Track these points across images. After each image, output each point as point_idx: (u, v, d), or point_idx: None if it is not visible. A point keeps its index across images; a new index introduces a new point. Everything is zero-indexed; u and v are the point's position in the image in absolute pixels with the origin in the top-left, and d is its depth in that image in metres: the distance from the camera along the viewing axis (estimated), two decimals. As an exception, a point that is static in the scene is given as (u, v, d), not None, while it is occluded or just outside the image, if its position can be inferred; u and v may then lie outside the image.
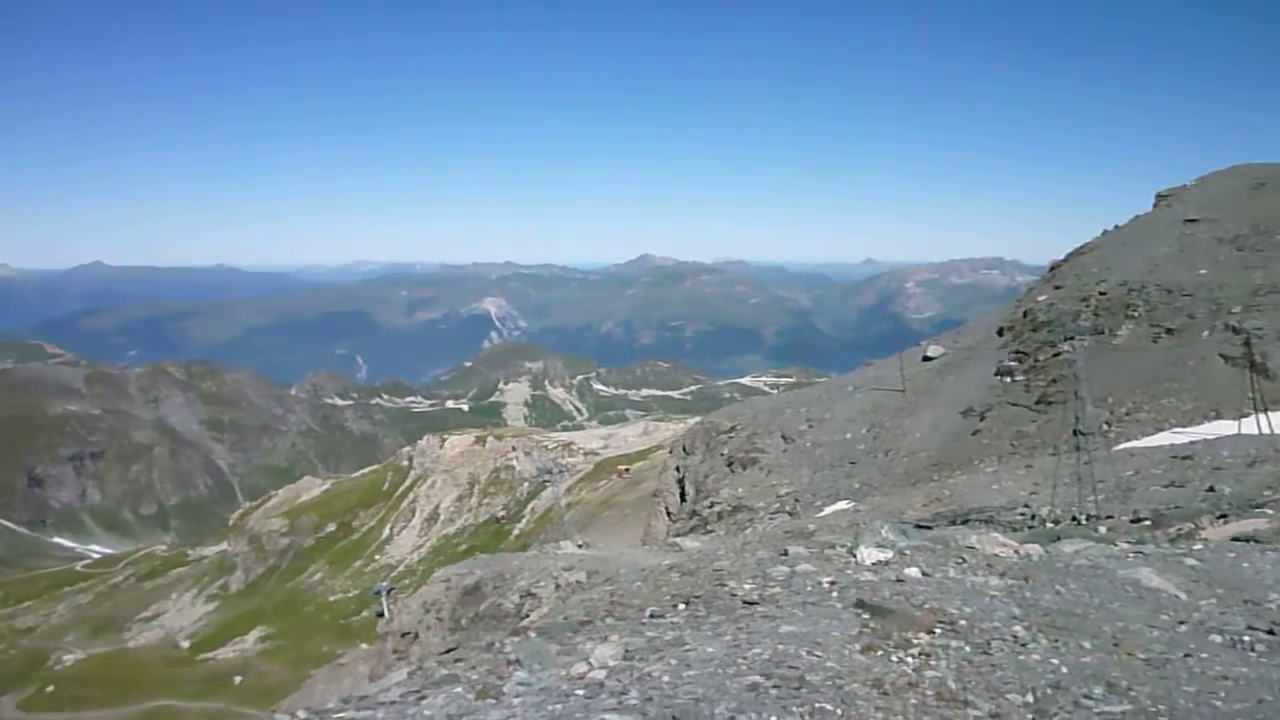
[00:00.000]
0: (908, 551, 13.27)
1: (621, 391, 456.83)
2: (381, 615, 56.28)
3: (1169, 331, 63.68)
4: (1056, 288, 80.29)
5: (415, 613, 38.10)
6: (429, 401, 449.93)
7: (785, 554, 14.06)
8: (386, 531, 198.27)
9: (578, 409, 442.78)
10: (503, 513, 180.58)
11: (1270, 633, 8.53)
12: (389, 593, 54.97)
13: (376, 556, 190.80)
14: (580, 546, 52.40)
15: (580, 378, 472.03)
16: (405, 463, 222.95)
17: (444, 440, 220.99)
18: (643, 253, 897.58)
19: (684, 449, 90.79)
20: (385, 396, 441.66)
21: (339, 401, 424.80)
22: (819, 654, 8.45)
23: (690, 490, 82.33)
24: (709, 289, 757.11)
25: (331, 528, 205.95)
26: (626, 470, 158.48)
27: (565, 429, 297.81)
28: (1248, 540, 16.90)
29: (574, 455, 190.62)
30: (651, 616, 11.55)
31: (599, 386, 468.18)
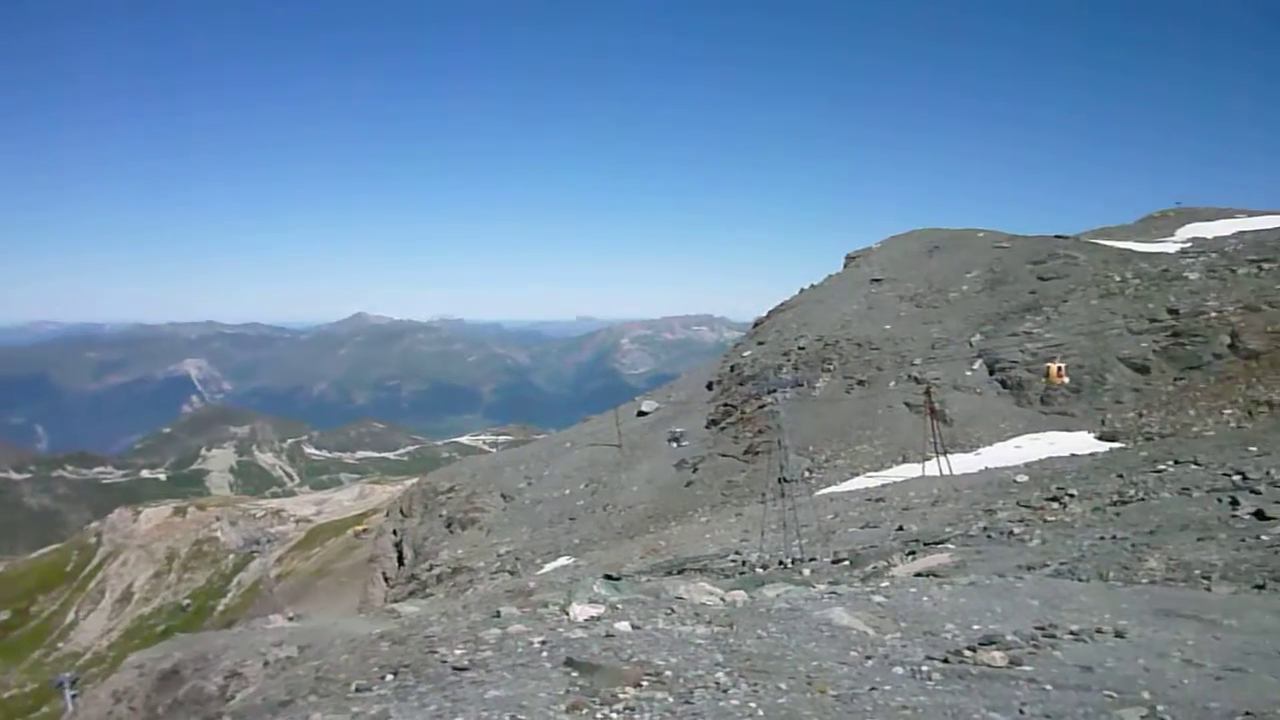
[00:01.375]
0: (620, 605, 13.36)
1: (335, 454, 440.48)
2: (66, 710, 51.25)
3: (861, 383, 68.48)
4: (760, 343, 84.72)
5: (104, 704, 34.85)
6: (121, 472, 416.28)
7: (498, 615, 13.82)
8: (70, 616, 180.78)
9: (288, 474, 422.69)
10: (188, 601, 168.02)
11: (945, 661, 9.16)
12: (73, 684, 49.90)
13: (59, 645, 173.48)
14: (292, 619, 49.76)
15: (291, 441, 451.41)
16: (93, 539, 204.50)
17: (138, 513, 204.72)
18: (356, 311, 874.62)
19: (401, 511, 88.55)
20: (69, 468, 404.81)
21: (14, 475, 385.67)
22: (523, 717, 8.30)
23: (409, 553, 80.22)
24: (425, 347, 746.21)
25: (4, 615, 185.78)
26: (365, 530, 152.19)
27: (275, 496, 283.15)
28: (929, 575, 18.13)
29: (285, 523, 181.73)
30: (357, 690, 11.01)
31: (311, 450, 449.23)
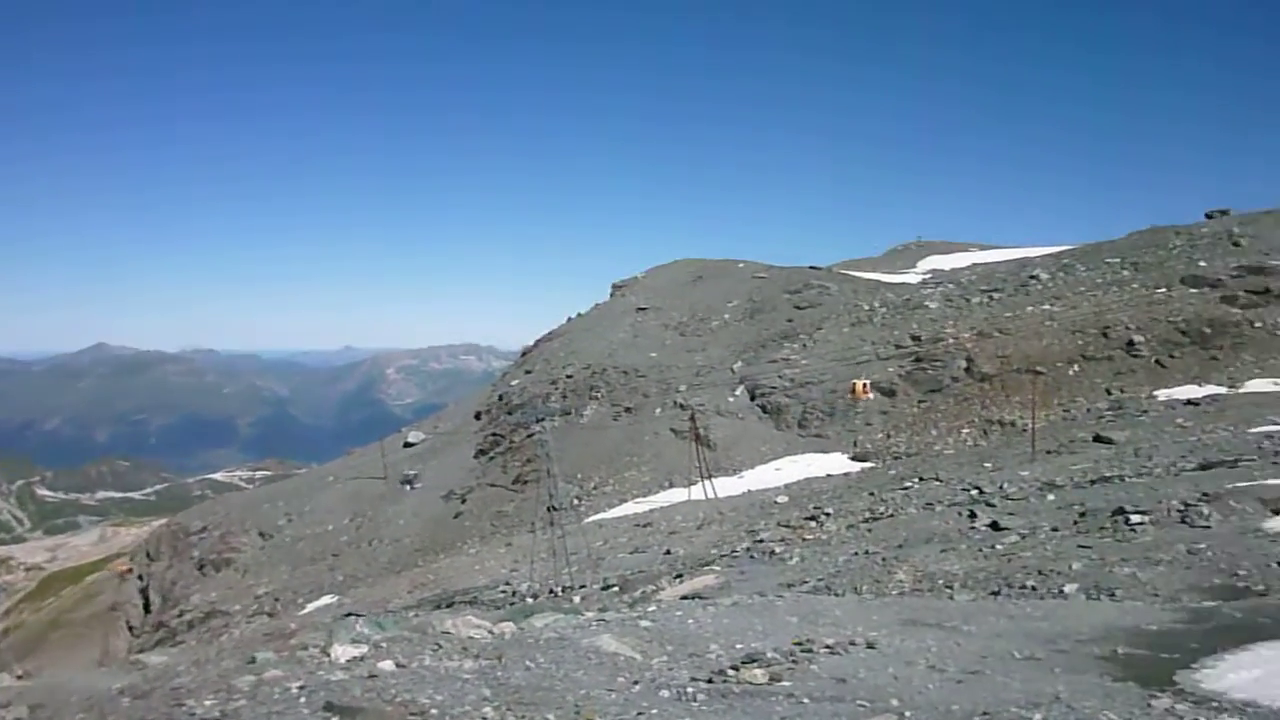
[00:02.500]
0: (384, 644, 12.91)
1: (73, 496, 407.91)
2: None
3: (628, 410, 69.52)
4: (528, 372, 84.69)
5: None
6: None
7: (253, 661, 13.08)
8: None
9: (17, 519, 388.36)
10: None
11: (710, 681, 9.34)
12: None
13: None
14: (21, 677, 45.67)
15: (20, 483, 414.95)
16: None
17: None
18: (97, 341, 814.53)
19: (148, 555, 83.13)
20: None
21: None
22: (279, 768, 7.87)
23: (156, 599, 75.30)
24: (175, 379, 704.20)
25: None
26: (129, 571, 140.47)
27: (2, 543, 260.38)
28: (695, 597, 18.46)
29: (13, 572, 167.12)
30: (92, 752, 10.15)
31: (44, 492, 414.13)
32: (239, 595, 65.46)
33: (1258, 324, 55.58)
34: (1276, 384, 50.41)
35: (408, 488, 74.67)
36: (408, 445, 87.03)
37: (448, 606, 36.00)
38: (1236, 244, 66.65)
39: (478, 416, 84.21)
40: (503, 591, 39.59)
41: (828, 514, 38.06)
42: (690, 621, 12.72)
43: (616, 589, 31.56)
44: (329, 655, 12.39)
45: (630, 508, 54.40)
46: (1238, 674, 8.75)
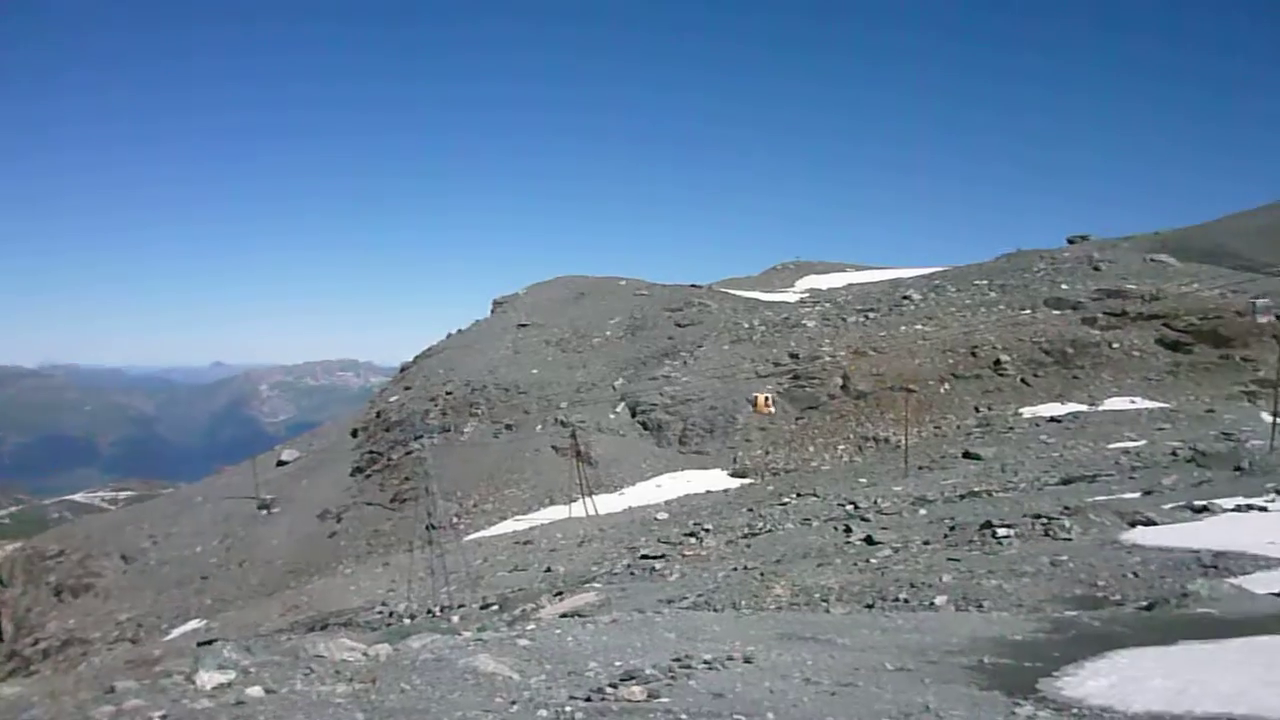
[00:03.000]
0: (253, 669, 12.49)
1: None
2: None
3: (508, 427, 69.06)
4: (407, 388, 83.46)
5: None
6: None
7: (113, 690, 12.51)
8: None
9: None
10: None
11: (588, 700, 9.28)
12: None
13: None
14: None
15: None
16: None
17: None
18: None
19: (0, 580, 79.07)
20: None
21: None
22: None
23: (8, 628, 71.57)
24: (31, 396, 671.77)
25: None
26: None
27: None
28: (575, 615, 18.37)
29: None
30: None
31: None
32: (99, 622, 62.75)
33: (1115, 345, 58.15)
34: (1133, 402, 52.78)
35: (264, 512, 72.53)
36: (281, 464, 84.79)
37: (321, 629, 35.12)
38: (1096, 268, 69.75)
39: (355, 434, 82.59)
40: (379, 612, 38.82)
41: (707, 530, 38.38)
42: (569, 640, 12.65)
43: (496, 608, 31.23)
44: (194, 683, 11.94)
45: (510, 525, 53.98)
46: (1095, 681, 9.09)
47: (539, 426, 67.24)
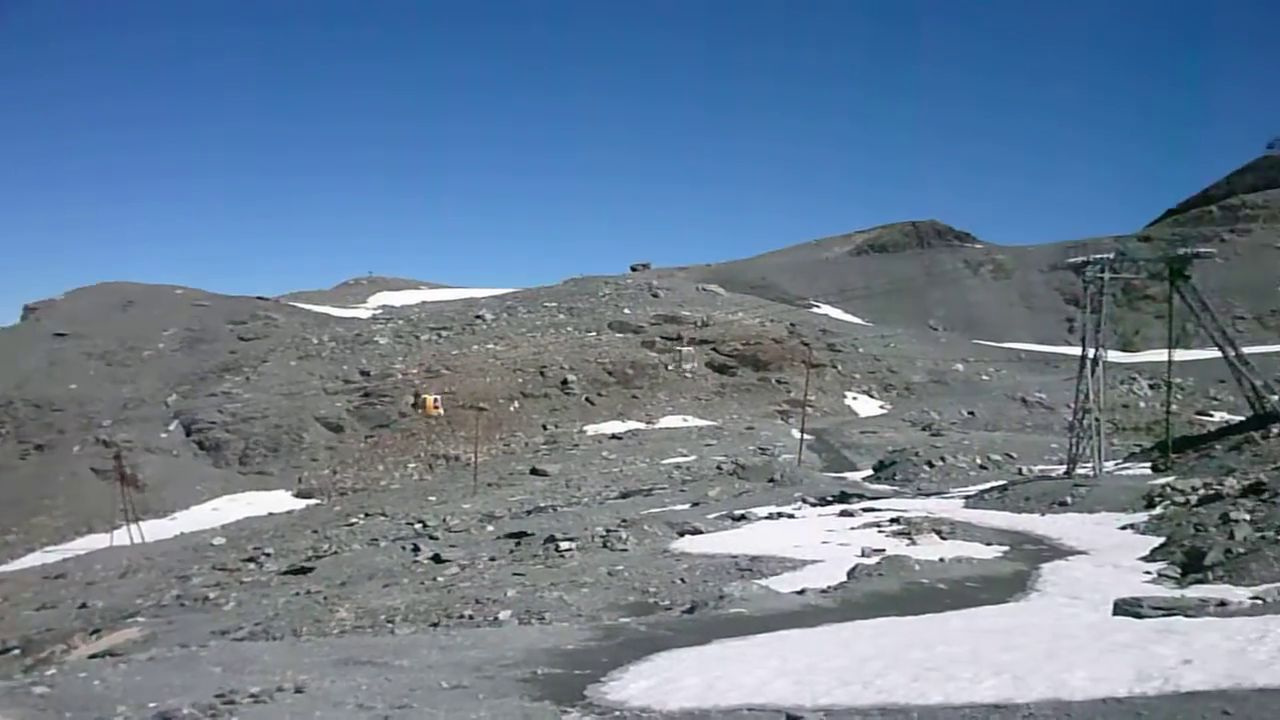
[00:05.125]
0: None
1: None
2: None
3: (39, 447, 61.88)
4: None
5: None
6: None
7: None
8: None
9: None
10: None
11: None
12: None
13: None
14: None
15: None
16: None
17: None
18: None
19: None
20: None
21: None
22: None
23: None
24: None
25: None
26: None
27: None
28: (108, 655, 16.70)
29: None
30: None
31: None
32: None
33: (671, 366, 62.63)
34: (685, 420, 57.03)
35: None
36: None
37: None
38: (655, 295, 74.82)
39: None
40: None
41: (268, 554, 36.67)
42: (96, 683, 11.40)
43: (18, 652, 27.77)
44: None
45: (39, 557, 48.45)
46: (638, 683, 9.57)
47: (77, 447, 60.97)
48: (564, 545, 24.89)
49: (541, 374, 61.36)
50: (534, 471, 46.55)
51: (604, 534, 25.83)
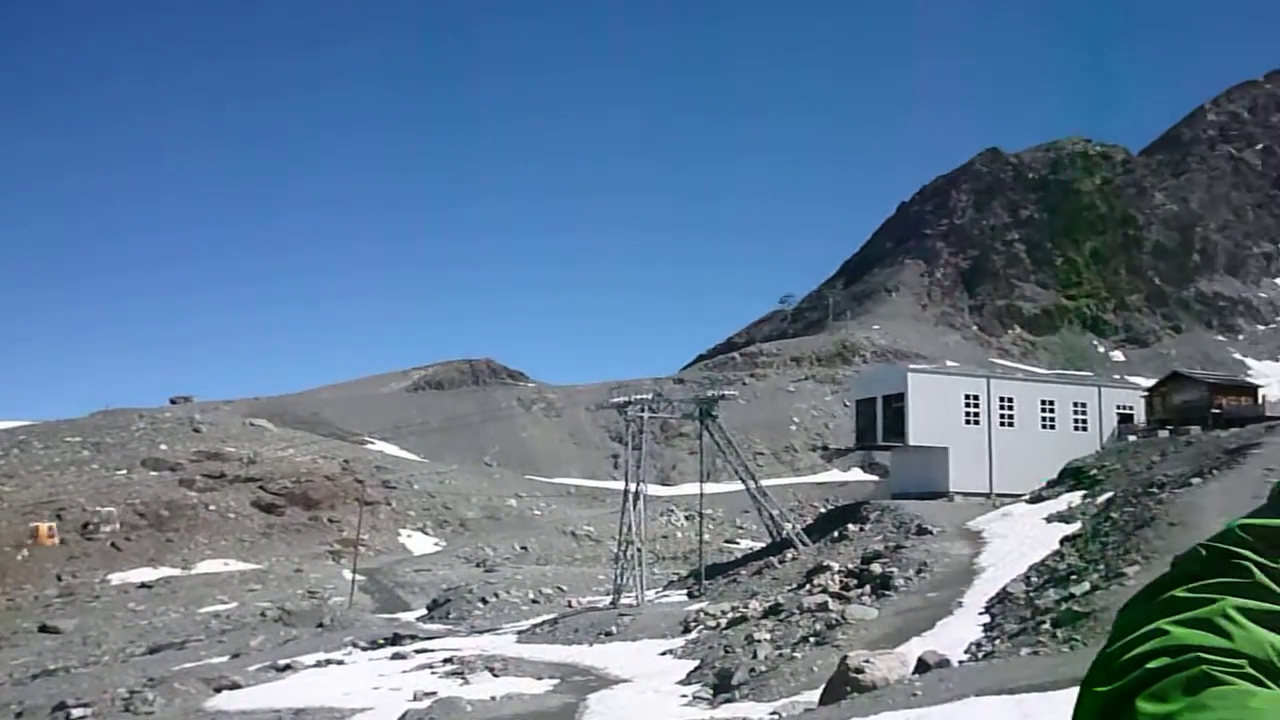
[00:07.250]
0: None
1: None
2: None
3: None
4: None
5: None
6: None
7: None
8: None
9: None
10: None
11: None
12: None
13: None
14: None
15: None
16: None
17: None
18: None
19: None
20: None
21: None
22: None
23: None
24: None
25: None
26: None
27: None
28: None
29: None
30: None
31: None
32: None
33: (212, 507, 58.54)
34: (226, 564, 53.21)
35: None
36: None
37: None
38: (197, 429, 70.03)
39: None
40: None
41: None
42: None
43: None
44: None
45: None
46: None
47: None
48: (76, 712, 22.02)
49: (59, 517, 54.82)
50: (44, 629, 41.17)
51: (127, 696, 23.18)
